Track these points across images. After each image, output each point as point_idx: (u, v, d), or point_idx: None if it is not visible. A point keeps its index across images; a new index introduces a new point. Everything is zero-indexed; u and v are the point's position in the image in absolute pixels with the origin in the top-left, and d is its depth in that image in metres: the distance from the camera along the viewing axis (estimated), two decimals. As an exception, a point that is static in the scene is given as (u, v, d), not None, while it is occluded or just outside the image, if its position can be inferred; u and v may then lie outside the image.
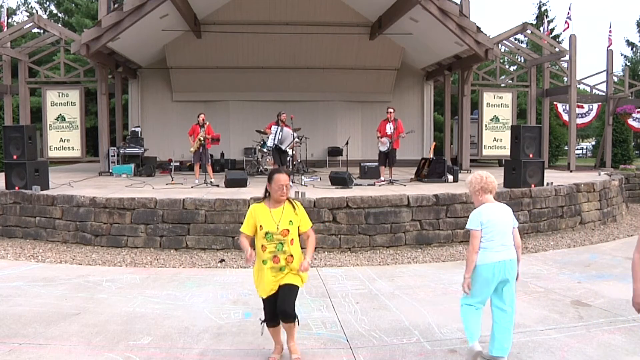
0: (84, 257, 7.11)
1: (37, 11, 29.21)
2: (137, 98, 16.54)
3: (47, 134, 14.15)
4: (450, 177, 10.63)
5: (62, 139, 14.19)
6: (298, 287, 3.59)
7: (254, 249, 3.56)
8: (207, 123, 10.45)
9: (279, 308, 3.51)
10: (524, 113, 19.39)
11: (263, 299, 3.63)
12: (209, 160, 10.75)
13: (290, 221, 3.53)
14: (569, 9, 16.05)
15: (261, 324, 3.70)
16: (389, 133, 10.36)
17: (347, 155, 12.89)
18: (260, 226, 3.50)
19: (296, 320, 3.57)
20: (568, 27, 15.90)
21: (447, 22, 11.65)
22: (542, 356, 3.77)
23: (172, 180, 10.43)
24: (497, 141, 15.51)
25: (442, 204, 7.94)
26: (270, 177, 3.56)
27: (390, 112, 10.45)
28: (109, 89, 13.73)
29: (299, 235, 3.63)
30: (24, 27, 14.60)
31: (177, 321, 4.51)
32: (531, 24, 18.56)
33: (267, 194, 3.60)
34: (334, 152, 16.67)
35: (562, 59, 15.31)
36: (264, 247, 3.52)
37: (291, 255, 3.54)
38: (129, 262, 6.88)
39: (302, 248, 3.68)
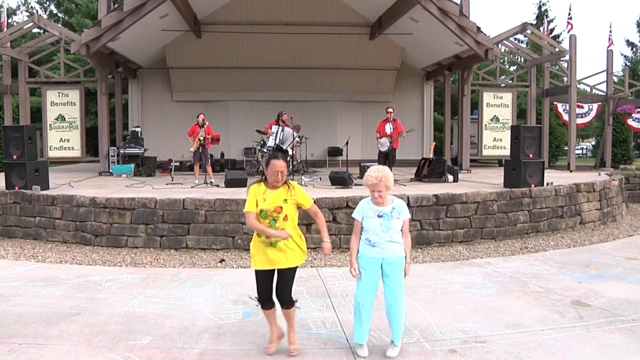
0: (84, 257, 7.11)
1: (37, 11, 29.19)
2: (137, 98, 16.53)
3: (47, 134, 14.15)
4: (450, 177, 10.63)
5: (62, 139, 14.20)
6: (296, 269, 3.72)
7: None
8: (207, 123, 10.47)
9: (278, 296, 3.71)
10: (524, 113, 19.38)
11: (257, 274, 3.70)
12: (209, 160, 10.75)
13: (285, 199, 3.64)
14: (570, 9, 16.04)
15: (257, 304, 3.79)
16: (388, 133, 10.36)
17: (347, 155, 12.89)
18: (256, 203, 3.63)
19: (295, 305, 3.76)
20: (572, 27, 15.86)
21: (447, 22, 11.65)
22: (542, 356, 3.77)
23: (172, 180, 10.43)
24: (497, 141, 15.52)
25: (442, 204, 7.94)
26: (267, 162, 3.66)
27: (390, 112, 10.45)
28: (109, 89, 13.73)
29: (303, 212, 3.74)
30: (24, 27, 14.59)
31: (177, 321, 4.51)
32: (531, 24, 18.56)
33: (264, 178, 3.71)
34: (334, 152, 16.66)
35: (562, 59, 15.30)
36: (260, 222, 3.64)
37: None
38: (129, 262, 6.88)
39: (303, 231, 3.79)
